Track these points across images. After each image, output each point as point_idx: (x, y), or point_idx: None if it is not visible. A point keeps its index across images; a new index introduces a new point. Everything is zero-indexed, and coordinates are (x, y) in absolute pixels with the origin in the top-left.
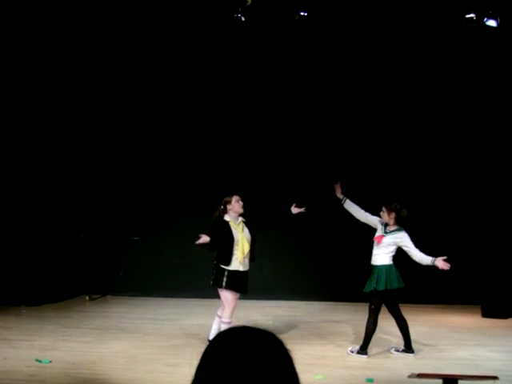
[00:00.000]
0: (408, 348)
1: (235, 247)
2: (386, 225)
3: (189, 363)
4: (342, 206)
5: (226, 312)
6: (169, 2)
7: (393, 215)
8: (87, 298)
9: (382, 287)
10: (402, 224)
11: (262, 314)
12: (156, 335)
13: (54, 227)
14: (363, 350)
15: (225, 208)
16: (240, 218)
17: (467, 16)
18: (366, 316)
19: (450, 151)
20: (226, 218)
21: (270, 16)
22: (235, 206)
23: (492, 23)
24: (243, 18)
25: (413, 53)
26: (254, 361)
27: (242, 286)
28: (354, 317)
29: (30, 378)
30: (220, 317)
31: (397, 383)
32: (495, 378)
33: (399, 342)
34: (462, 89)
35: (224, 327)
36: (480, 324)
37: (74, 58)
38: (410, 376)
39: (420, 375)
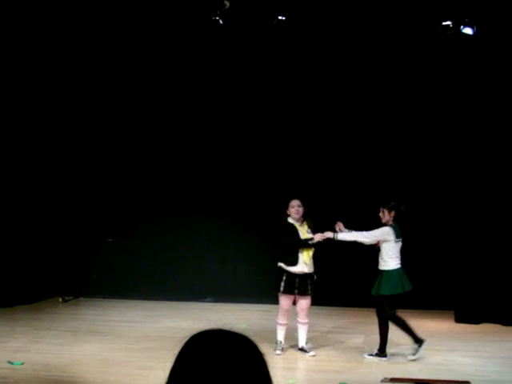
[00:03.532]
0: (381, 352)
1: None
2: None
3: (162, 366)
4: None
5: (279, 315)
6: (150, 5)
7: (392, 213)
8: (60, 299)
9: (372, 292)
10: (402, 222)
11: (236, 317)
12: (129, 338)
13: (27, 228)
14: (419, 343)
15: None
16: (304, 221)
17: (444, 23)
18: (339, 320)
19: (430, 157)
20: (290, 220)
21: (248, 19)
22: (290, 210)
23: (468, 31)
24: (221, 21)
25: (393, 57)
26: (227, 364)
27: (302, 288)
28: (327, 321)
29: (2, 380)
30: (302, 323)
31: None
32: (467, 382)
33: (372, 346)
34: (442, 92)
35: (278, 328)
36: (453, 329)
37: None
38: (382, 380)
39: (393, 380)
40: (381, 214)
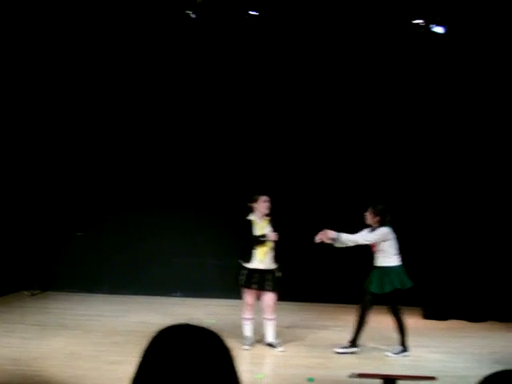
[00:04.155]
0: (353, 343)
1: (256, 245)
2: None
3: (130, 361)
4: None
5: (243, 309)
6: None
7: (377, 219)
8: (27, 293)
9: (375, 290)
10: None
11: (205, 312)
12: (98, 332)
13: None
14: (404, 346)
15: (252, 205)
16: (265, 217)
17: (415, 22)
18: (308, 315)
19: (404, 157)
20: (250, 216)
21: (221, 14)
22: (261, 205)
23: (439, 30)
24: (193, 15)
25: (364, 54)
26: (194, 359)
27: (262, 284)
28: (296, 316)
29: None
30: (268, 319)
31: (337, 383)
32: (433, 378)
33: (341, 342)
34: (414, 90)
35: (243, 324)
36: (421, 325)
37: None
38: (350, 376)
39: (360, 375)
40: (366, 213)
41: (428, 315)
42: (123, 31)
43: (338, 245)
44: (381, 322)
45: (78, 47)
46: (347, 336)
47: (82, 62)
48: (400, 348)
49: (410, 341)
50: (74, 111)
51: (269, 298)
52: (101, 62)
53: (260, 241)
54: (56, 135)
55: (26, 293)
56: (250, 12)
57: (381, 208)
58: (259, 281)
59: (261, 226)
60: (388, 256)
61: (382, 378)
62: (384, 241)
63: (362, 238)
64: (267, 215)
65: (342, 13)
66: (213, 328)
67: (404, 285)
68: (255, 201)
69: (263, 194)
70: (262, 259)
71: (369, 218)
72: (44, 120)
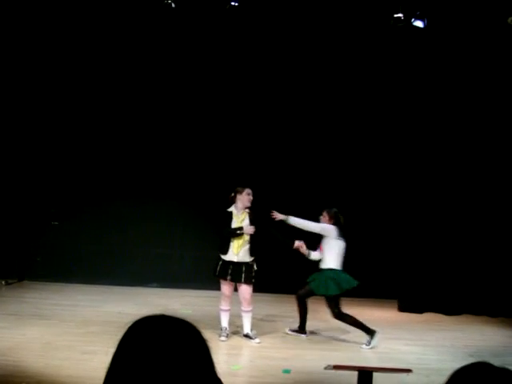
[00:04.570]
0: (302, 329)
1: (232, 238)
2: None
3: (105, 351)
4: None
5: (221, 300)
6: None
7: (331, 222)
8: (3, 282)
9: (318, 291)
10: (340, 230)
11: (182, 302)
12: (73, 322)
13: None
14: (370, 332)
15: (234, 197)
16: (245, 210)
17: (395, 15)
18: (285, 307)
19: (376, 155)
20: (230, 208)
21: (201, 3)
22: (244, 198)
23: (419, 24)
24: (173, 5)
25: (343, 48)
26: (170, 350)
27: (235, 276)
28: (273, 308)
29: None
30: (244, 311)
31: (313, 374)
32: (409, 370)
33: (316, 333)
34: (391, 85)
35: (221, 314)
36: (396, 318)
37: None
38: (326, 367)
39: (336, 367)
40: (321, 217)
41: (403, 308)
42: (107, 24)
43: (312, 258)
44: (356, 315)
45: (59, 39)
46: (323, 328)
47: (60, 52)
48: (369, 337)
49: (386, 333)
50: (49, 100)
51: (244, 290)
52: (80, 52)
53: (236, 233)
54: (32, 124)
55: (1, 282)
56: (232, 3)
57: (335, 211)
58: (233, 272)
59: (239, 219)
60: (327, 258)
61: (358, 370)
62: (327, 236)
63: (309, 222)
64: (248, 208)
65: (322, 5)
66: (189, 319)
67: (341, 289)
68: (238, 193)
69: (246, 187)
70: (236, 252)
71: (323, 220)
72: (19, 108)
